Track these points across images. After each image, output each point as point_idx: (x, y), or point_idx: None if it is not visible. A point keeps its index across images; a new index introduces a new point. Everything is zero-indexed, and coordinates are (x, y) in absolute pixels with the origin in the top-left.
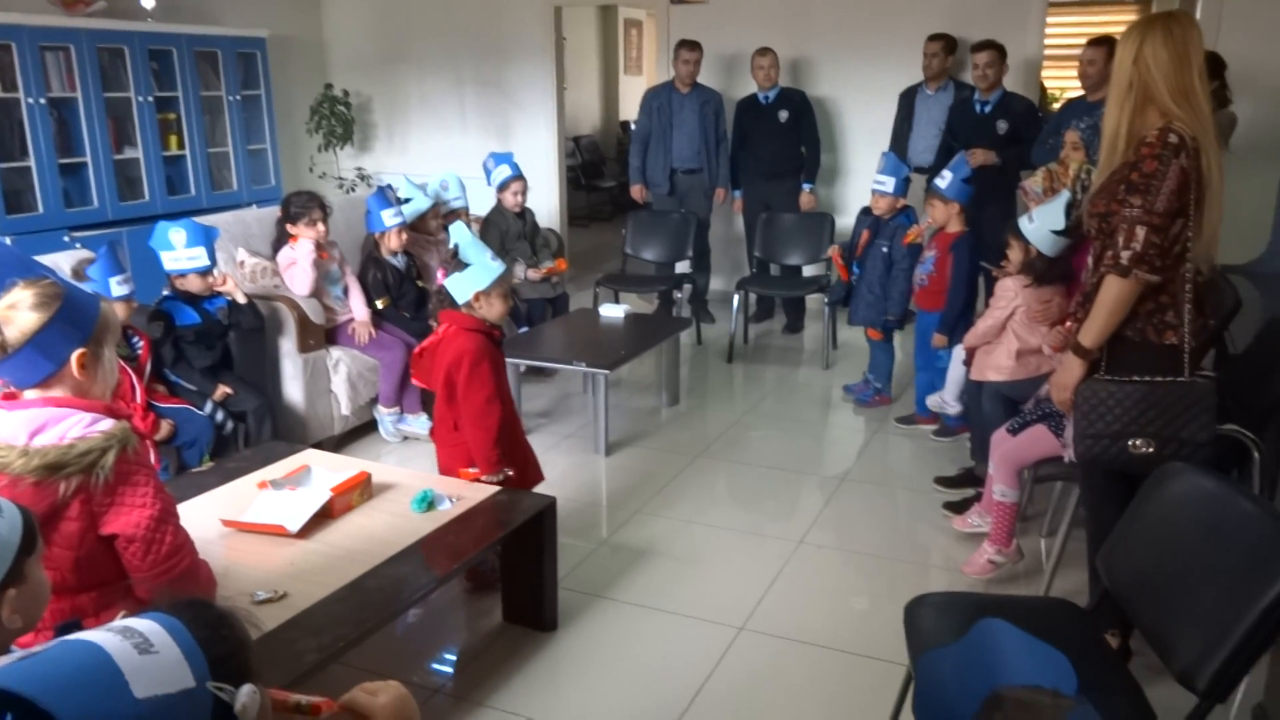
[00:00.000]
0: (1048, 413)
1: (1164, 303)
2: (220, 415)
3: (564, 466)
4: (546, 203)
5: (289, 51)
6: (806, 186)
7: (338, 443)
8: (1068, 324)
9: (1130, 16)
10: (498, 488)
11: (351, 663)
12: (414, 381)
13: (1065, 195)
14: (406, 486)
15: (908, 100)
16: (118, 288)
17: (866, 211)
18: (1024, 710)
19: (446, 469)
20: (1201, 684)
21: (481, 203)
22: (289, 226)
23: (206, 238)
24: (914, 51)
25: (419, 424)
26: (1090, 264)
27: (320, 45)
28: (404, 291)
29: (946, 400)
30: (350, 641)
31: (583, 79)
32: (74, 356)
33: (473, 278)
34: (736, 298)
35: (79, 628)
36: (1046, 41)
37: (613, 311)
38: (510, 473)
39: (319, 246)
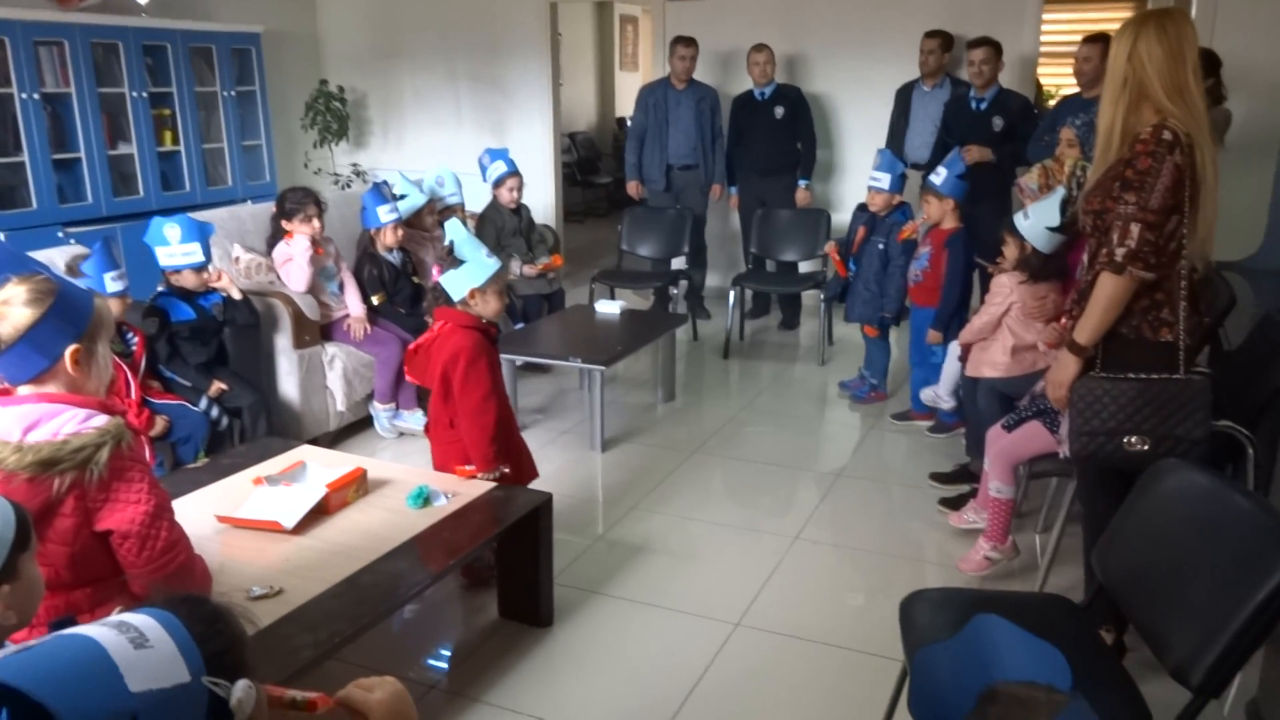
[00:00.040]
0: (1043, 409)
1: (1159, 300)
2: (215, 411)
3: (560, 462)
4: (542, 199)
5: (284, 47)
6: (802, 183)
7: (333, 439)
8: (1063, 321)
9: (1126, 13)
10: (493, 484)
11: (347, 659)
12: (408, 379)
13: (1060, 192)
14: (402, 482)
15: (904, 97)
16: (112, 284)
17: (863, 208)
18: (1019, 705)
19: (441, 466)
20: (1195, 679)
21: (477, 199)
22: (284, 223)
23: (201, 234)
24: (911, 48)
25: (414, 420)
26: (1085, 261)
27: (315, 41)
28: (399, 287)
29: (940, 395)
30: (346, 637)
31: (578, 75)
32: (68, 352)
33: (468, 275)
34: (732, 294)
35: (73, 624)
36: (1042, 38)
37: (609, 307)
38: (506, 470)
39: (314, 243)
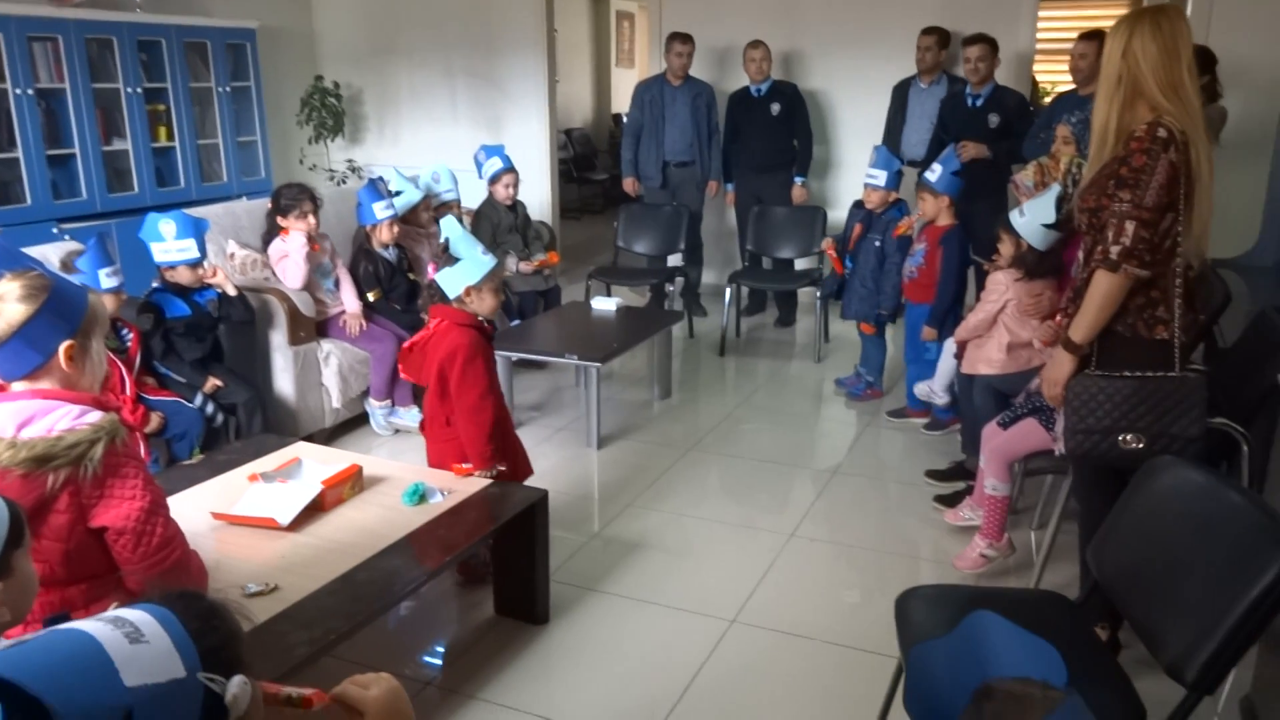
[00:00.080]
0: (1038, 406)
1: (1154, 298)
2: (210, 408)
3: (556, 459)
4: (538, 195)
5: (279, 43)
6: (798, 180)
7: (329, 435)
8: (1058, 318)
9: (1121, 10)
10: (489, 481)
11: (343, 655)
12: (403, 376)
13: (1056, 189)
14: (398, 479)
15: (901, 94)
16: (107, 280)
17: (859, 205)
18: (1014, 702)
19: (437, 463)
20: (1190, 676)
21: (473, 195)
22: (279, 219)
23: (196, 230)
24: (907, 45)
25: (410, 417)
26: (1080, 259)
27: (310, 36)
28: (395, 284)
29: (934, 390)
30: (341, 634)
31: (574, 71)
32: (62, 348)
33: (463, 272)
34: (729, 291)
35: (68, 620)
36: (1038, 35)
37: (605, 304)
38: (503, 468)
39: (310, 239)
